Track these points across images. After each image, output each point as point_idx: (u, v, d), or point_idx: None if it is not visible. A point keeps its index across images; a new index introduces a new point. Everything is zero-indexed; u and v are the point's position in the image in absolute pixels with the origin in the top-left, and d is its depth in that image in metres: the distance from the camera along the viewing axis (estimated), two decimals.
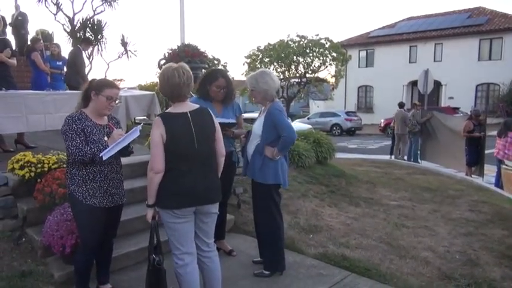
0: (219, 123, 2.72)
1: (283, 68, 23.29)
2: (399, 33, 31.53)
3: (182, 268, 2.51)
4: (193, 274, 2.53)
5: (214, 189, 2.57)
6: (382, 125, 22.19)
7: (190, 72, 2.55)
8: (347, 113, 24.98)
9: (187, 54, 6.12)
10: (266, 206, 3.26)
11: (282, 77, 22.79)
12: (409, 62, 29.61)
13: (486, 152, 8.80)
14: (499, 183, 7.58)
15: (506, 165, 7.21)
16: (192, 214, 2.54)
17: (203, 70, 6.36)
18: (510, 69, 25.61)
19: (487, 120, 9.95)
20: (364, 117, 27.68)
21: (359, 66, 33.64)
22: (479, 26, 27.74)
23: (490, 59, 27.18)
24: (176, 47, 6.47)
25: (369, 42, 32.93)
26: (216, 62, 11.62)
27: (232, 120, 3.42)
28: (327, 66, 23.44)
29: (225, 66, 12.46)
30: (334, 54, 22.67)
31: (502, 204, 6.00)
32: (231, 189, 3.96)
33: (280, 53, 22.61)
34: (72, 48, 8.20)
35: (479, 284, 3.30)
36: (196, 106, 2.60)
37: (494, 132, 8.69)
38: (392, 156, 11.84)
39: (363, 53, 33.74)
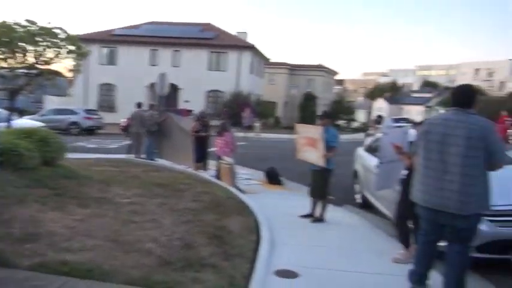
0: None
1: (5, 55, 19.77)
2: (142, 35, 32.33)
3: None
4: None
5: None
6: (123, 124, 22.12)
7: None
8: (87, 110, 23.65)
9: None
10: None
11: (5, 64, 19.37)
12: (151, 65, 30.80)
13: (210, 150, 10.14)
14: (218, 175, 8.88)
15: (223, 160, 8.53)
16: None
17: None
18: (232, 80, 30.55)
19: (213, 122, 11.52)
20: (106, 116, 26.91)
21: (101, 63, 32.46)
22: (209, 40, 31.79)
23: (218, 69, 31.58)
24: None
25: (112, 40, 32.27)
26: None
27: None
28: (61, 59, 21.42)
29: None
30: (70, 47, 20.97)
31: (218, 193, 7.05)
32: None
33: (2, 36, 19.10)
34: None
35: (192, 263, 3.76)
36: None
37: None
38: (131, 155, 12.02)
39: (105, 50, 32.80)
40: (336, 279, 3.88)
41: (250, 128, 23.27)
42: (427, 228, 3.53)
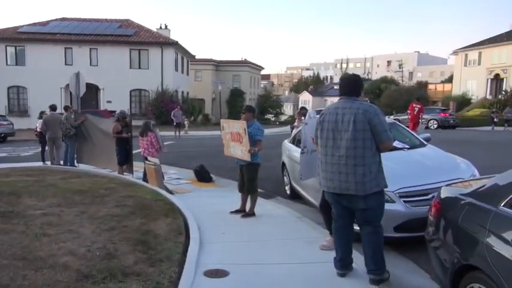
0: None
1: None
2: (53, 32, 29.99)
3: None
4: None
5: None
6: (38, 129, 20.35)
7: None
8: None
9: None
10: None
11: None
12: (65, 64, 28.74)
13: (135, 151, 9.67)
14: (145, 177, 8.50)
15: (149, 161, 8.18)
16: None
17: None
18: (156, 78, 29.56)
19: (138, 122, 11.01)
20: (19, 121, 24.69)
21: (7, 64, 29.65)
22: (129, 37, 30.38)
23: (139, 67, 30.32)
24: None
25: (18, 38, 29.51)
26: None
27: None
28: None
29: None
30: None
31: (145, 196, 6.74)
32: None
33: None
34: None
35: (114, 274, 3.51)
36: None
37: None
38: (48, 162, 11.13)
39: (12, 49, 29.96)
40: (266, 273, 3.87)
41: (180, 126, 22.65)
42: (337, 213, 3.70)
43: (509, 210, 2.40)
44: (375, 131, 3.36)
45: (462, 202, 2.87)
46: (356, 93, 3.57)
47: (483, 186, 2.90)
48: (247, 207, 6.12)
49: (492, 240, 2.39)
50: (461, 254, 2.67)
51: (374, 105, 3.52)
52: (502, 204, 2.46)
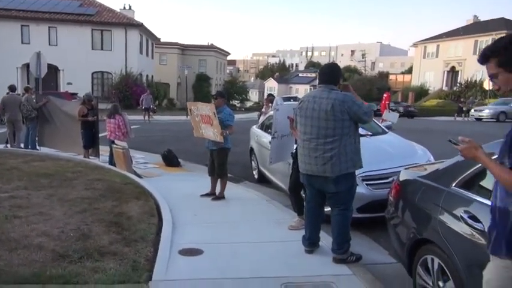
0: None
1: None
2: (7, 8, 28.32)
3: None
4: None
5: None
6: None
7: None
8: None
9: None
10: None
11: None
12: (22, 43, 27.32)
13: (100, 134, 9.53)
14: (112, 161, 8.43)
15: (117, 144, 8.11)
16: None
17: None
18: (119, 60, 28.71)
19: (101, 105, 10.80)
20: None
21: None
22: (90, 16, 29.22)
23: (102, 49, 29.32)
24: None
25: None
26: None
27: None
28: None
29: None
30: None
31: (114, 179, 6.73)
32: None
33: None
34: None
35: (90, 253, 3.59)
36: None
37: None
38: (8, 145, 10.72)
39: None
40: (238, 251, 4.07)
41: (149, 110, 22.23)
42: (310, 195, 3.95)
43: (459, 189, 2.70)
44: (355, 117, 3.57)
45: (419, 183, 3.17)
46: (333, 82, 3.72)
47: (437, 169, 3.21)
48: (217, 191, 6.27)
49: (444, 217, 2.69)
50: (417, 229, 2.98)
51: (348, 94, 3.69)
52: (453, 185, 2.76)
